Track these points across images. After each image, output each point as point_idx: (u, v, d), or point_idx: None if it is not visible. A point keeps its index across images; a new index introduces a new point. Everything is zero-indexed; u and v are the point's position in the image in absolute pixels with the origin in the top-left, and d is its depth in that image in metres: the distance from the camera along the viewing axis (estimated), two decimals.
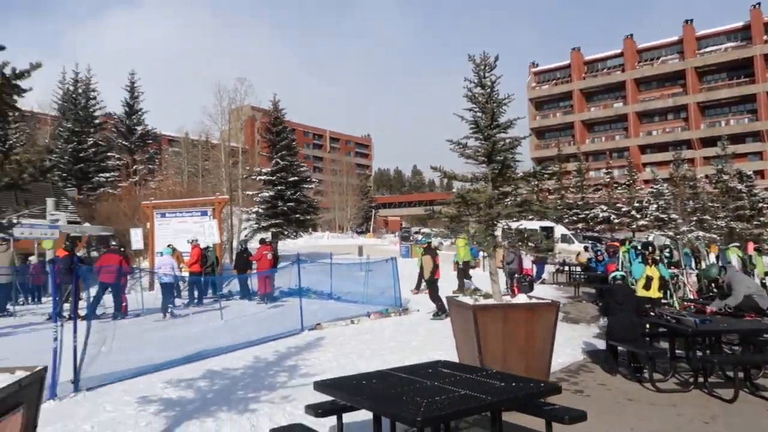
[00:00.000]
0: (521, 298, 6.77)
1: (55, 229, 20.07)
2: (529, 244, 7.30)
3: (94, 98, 48.61)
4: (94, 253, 27.43)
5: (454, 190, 7.83)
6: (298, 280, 12.18)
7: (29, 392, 3.22)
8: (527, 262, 15.75)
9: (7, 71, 2.80)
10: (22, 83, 2.99)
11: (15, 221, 3.26)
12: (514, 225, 7.13)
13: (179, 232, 20.53)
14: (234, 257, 21.38)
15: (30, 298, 17.25)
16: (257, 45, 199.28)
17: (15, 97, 3.13)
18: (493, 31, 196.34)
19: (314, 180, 45.23)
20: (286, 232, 31.04)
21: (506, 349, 5.82)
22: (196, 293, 15.73)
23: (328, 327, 10.84)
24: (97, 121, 48.36)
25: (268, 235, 27.20)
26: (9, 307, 14.91)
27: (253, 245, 21.25)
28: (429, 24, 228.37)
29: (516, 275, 15.00)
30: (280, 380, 6.68)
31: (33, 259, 18.91)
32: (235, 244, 28.52)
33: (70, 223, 25.66)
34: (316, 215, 35.89)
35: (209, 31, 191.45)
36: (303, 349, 8.65)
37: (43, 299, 17.73)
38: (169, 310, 12.74)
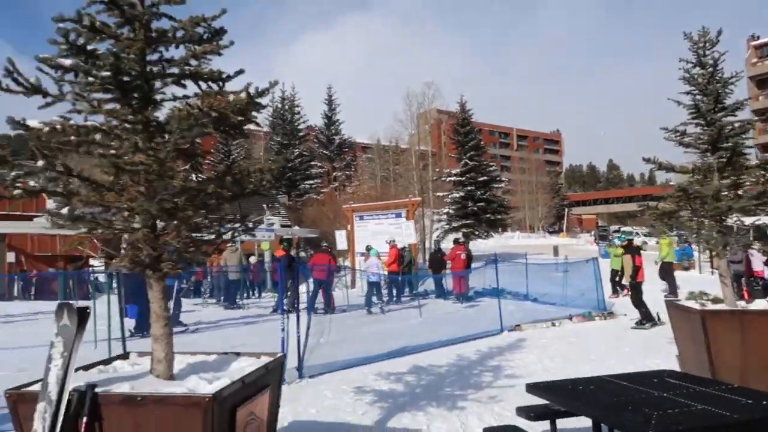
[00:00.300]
0: (761, 304, 5.88)
1: (271, 232, 22.55)
2: None
3: (298, 113, 53.80)
4: (302, 254, 30.26)
5: (671, 183, 7.09)
6: (496, 280, 12.05)
7: (273, 375, 3.61)
8: (757, 263, 13.69)
9: (251, 90, 3.17)
10: (262, 100, 3.36)
11: (258, 225, 3.72)
12: (748, 220, 6.24)
13: (376, 234, 21.66)
14: (428, 257, 21.96)
15: (252, 293, 19.65)
16: (443, 48, 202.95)
17: (254, 113, 3.53)
18: (693, 7, 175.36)
19: (503, 179, 44.63)
20: (476, 232, 31.09)
21: (746, 363, 5.09)
22: (394, 291, 16.47)
23: (528, 329, 10.56)
24: (301, 134, 53.41)
25: (459, 236, 27.45)
26: (238, 300, 17.08)
27: (446, 245, 21.62)
28: (618, 6, 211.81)
29: (743, 278, 13.14)
30: (486, 380, 6.66)
31: (253, 259, 21.47)
32: (427, 244, 29.30)
33: (282, 226, 28.60)
34: (507, 214, 35.38)
35: (398, 39, 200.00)
36: (505, 350, 8.53)
37: (262, 294, 20.05)
38: (379, 307, 13.61)
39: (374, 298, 14.05)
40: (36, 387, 3.08)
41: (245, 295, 18.62)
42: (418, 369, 7.32)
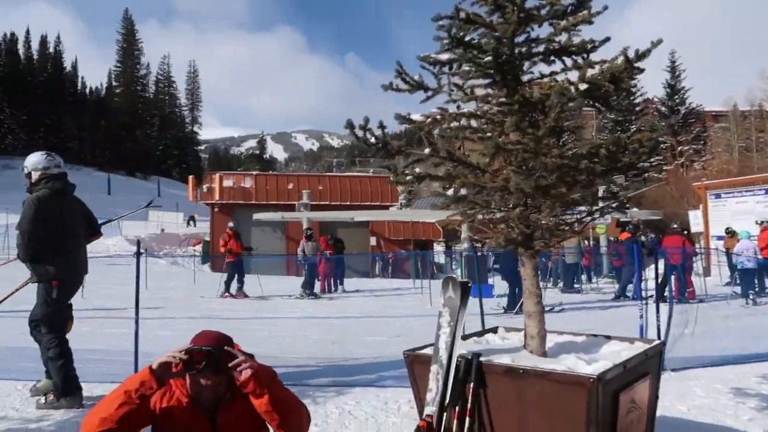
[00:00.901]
0: None
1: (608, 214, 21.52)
2: None
3: (635, 85, 49.59)
4: (642, 237, 28.00)
5: None
6: None
7: (653, 363, 3.34)
8: None
9: (630, 54, 2.93)
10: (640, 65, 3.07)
11: (631, 201, 3.51)
12: None
13: (738, 214, 18.79)
14: None
15: (586, 278, 19.11)
16: None
17: (629, 80, 3.25)
18: None
19: None
20: None
21: None
22: (766, 281, 13.92)
23: None
24: (638, 108, 49.31)
25: None
26: (576, 285, 16.77)
27: None
28: None
29: None
30: None
31: (586, 242, 20.86)
32: None
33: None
34: None
35: None
36: None
37: (593, 279, 19.29)
38: (751, 297, 11.90)
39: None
40: (428, 351, 3.46)
41: (580, 279, 18.21)
42: None
